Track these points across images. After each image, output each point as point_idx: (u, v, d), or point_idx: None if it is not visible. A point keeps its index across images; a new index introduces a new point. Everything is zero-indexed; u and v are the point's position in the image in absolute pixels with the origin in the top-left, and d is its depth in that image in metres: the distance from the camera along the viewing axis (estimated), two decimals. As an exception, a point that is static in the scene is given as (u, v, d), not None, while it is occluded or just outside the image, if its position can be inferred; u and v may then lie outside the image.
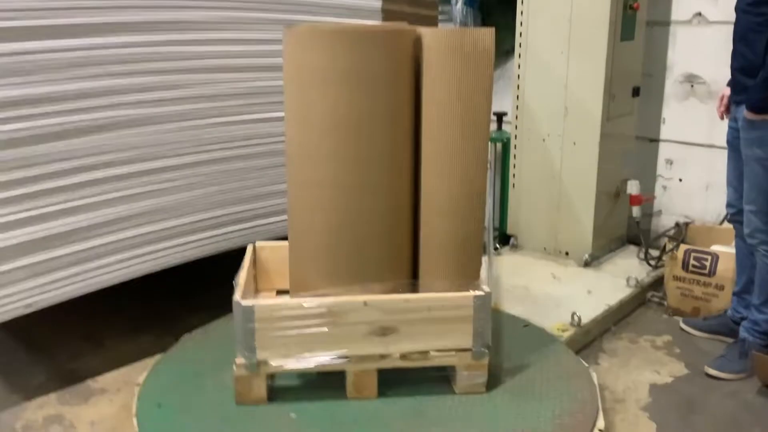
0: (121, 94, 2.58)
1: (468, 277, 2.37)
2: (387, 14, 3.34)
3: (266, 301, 2.52)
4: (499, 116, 4.12)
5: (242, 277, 2.40)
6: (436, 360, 2.33)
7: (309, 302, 2.25)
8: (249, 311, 2.21)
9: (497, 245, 3.91)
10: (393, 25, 2.34)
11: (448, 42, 2.25)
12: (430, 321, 2.29)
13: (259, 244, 2.78)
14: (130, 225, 2.69)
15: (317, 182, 2.29)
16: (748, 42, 2.61)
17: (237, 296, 2.26)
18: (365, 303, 2.25)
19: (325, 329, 2.24)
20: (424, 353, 2.32)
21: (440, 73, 2.27)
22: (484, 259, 2.55)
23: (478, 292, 2.29)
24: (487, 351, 2.34)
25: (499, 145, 3.96)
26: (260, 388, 2.29)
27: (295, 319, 2.24)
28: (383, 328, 2.26)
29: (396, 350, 2.30)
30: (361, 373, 2.32)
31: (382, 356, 2.30)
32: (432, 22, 3.56)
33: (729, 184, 2.92)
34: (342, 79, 2.19)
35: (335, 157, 2.25)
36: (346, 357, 2.28)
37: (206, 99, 2.83)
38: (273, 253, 2.76)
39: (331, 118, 2.22)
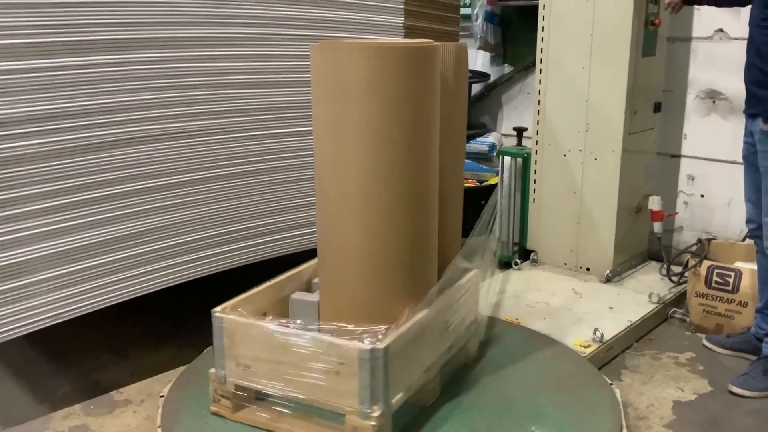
0: (148, 110, 2.63)
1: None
2: (409, 30, 3.36)
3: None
4: (519, 131, 4.12)
5: None
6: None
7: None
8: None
9: (517, 260, 3.90)
10: (425, 41, 2.33)
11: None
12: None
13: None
14: (154, 238, 2.72)
15: (350, 195, 2.22)
16: (761, 55, 2.62)
17: None
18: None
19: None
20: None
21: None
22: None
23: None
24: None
25: (519, 160, 3.96)
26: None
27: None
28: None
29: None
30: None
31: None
32: (453, 38, 3.57)
33: (747, 199, 2.90)
34: (377, 94, 2.14)
35: (368, 170, 2.21)
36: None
37: (235, 114, 2.87)
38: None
39: (366, 132, 2.18)
